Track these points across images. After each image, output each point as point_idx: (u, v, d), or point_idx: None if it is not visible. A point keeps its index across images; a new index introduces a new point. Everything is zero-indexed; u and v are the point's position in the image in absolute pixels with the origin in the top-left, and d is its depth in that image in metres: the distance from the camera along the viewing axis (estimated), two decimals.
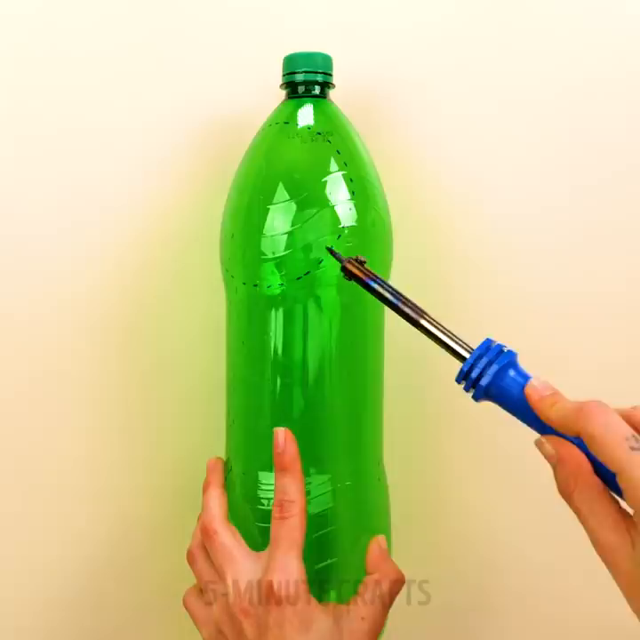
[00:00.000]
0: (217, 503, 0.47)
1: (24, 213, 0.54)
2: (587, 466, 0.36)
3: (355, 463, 0.48)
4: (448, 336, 0.40)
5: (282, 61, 0.49)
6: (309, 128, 0.48)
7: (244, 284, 0.48)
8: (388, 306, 0.42)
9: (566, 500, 0.36)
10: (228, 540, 0.45)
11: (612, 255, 0.54)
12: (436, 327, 0.40)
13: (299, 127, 0.48)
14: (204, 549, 0.47)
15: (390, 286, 0.42)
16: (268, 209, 0.47)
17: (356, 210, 0.47)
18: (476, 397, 0.39)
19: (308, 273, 0.46)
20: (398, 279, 0.50)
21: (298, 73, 0.49)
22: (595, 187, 0.54)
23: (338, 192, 0.47)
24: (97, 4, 0.54)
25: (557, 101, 0.54)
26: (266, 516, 0.46)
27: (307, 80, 0.49)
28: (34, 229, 0.54)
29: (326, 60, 0.49)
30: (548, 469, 0.53)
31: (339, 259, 0.43)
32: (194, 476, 0.51)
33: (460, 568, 0.56)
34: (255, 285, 0.47)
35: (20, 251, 0.54)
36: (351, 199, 0.47)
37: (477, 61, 0.54)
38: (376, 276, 0.42)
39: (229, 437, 0.50)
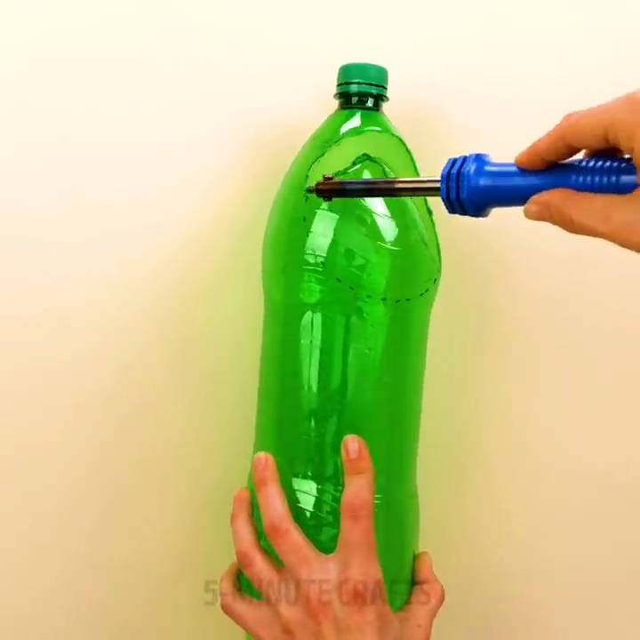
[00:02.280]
0: (280, 500, 0.46)
1: (67, 218, 0.53)
2: (573, 191, 0.36)
3: (390, 477, 0.48)
4: (420, 181, 0.42)
5: (337, 71, 0.49)
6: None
7: (288, 293, 0.47)
8: (368, 195, 0.45)
9: (569, 228, 0.36)
10: (301, 538, 0.45)
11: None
12: (409, 182, 0.42)
13: (344, 140, 0.47)
14: (260, 549, 0.46)
15: (362, 181, 0.45)
16: (316, 220, 0.46)
17: (399, 224, 0.47)
18: (473, 212, 0.39)
19: (356, 284, 0.46)
20: (447, 291, 0.50)
21: (352, 83, 0.48)
22: None
23: (384, 206, 0.47)
24: (150, 11, 0.53)
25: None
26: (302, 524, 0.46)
27: (360, 91, 0.48)
28: (73, 235, 0.53)
29: (381, 73, 0.49)
30: (556, 476, 0.56)
31: (310, 190, 0.45)
32: (213, 480, 0.52)
33: (466, 573, 0.57)
34: (300, 296, 0.46)
35: (58, 256, 0.53)
36: (394, 213, 0.47)
37: (528, 73, 0.54)
38: (346, 181, 0.44)
39: (259, 445, 0.49)
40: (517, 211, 0.52)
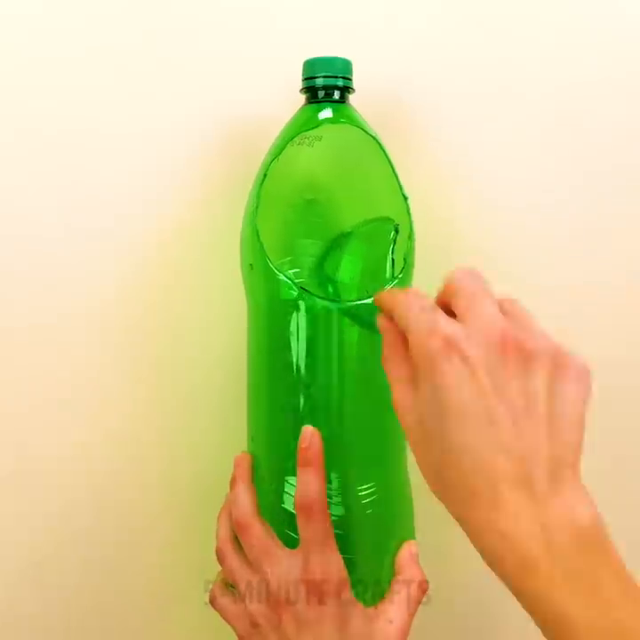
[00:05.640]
0: (247, 497, 0.47)
1: (43, 219, 0.53)
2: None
3: (380, 471, 0.48)
4: None
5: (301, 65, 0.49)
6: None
7: (267, 291, 0.47)
8: None
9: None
10: (263, 533, 0.46)
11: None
12: None
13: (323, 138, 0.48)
14: (233, 544, 0.48)
15: None
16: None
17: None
18: None
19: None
20: (419, 281, 0.50)
21: (317, 78, 0.49)
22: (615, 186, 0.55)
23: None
24: (117, 6, 0.53)
25: (574, 103, 0.55)
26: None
27: (326, 85, 0.49)
28: (52, 234, 0.53)
29: (346, 65, 0.49)
30: None
31: None
32: (212, 477, 0.52)
33: (462, 568, 0.55)
34: (278, 293, 0.47)
35: (39, 257, 0.53)
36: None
37: (495, 64, 0.55)
38: None
39: (252, 444, 0.50)
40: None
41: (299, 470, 0.45)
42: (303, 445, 0.45)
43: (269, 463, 0.48)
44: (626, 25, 0.55)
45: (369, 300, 0.46)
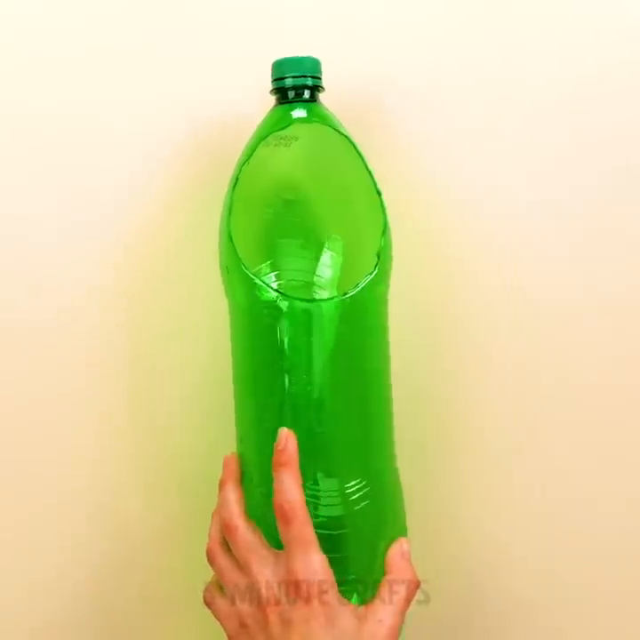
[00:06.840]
0: (234, 499, 0.48)
1: (23, 217, 0.54)
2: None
3: (367, 467, 0.48)
4: None
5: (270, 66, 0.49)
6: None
7: (245, 292, 0.48)
8: None
9: None
10: (250, 535, 0.46)
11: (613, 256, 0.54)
12: None
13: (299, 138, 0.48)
14: (223, 545, 0.48)
15: None
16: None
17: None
18: None
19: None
20: (397, 280, 0.50)
21: (287, 78, 0.49)
22: (595, 186, 0.54)
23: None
24: (92, 5, 0.53)
25: (554, 100, 0.54)
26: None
27: (296, 85, 0.49)
28: (34, 235, 0.54)
29: (315, 64, 0.49)
30: (552, 471, 0.55)
31: None
32: (202, 478, 0.52)
33: (461, 568, 0.56)
34: (256, 295, 0.47)
35: (21, 255, 0.54)
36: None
37: (471, 61, 0.54)
38: None
39: (240, 443, 0.50)
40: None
41: (274, 472, 0.45)
42: (279, 447, 0.45)
43: (258, 464, 0.49)
44: (627, 25, 0.54)
45: (344, 297, 0.46)
